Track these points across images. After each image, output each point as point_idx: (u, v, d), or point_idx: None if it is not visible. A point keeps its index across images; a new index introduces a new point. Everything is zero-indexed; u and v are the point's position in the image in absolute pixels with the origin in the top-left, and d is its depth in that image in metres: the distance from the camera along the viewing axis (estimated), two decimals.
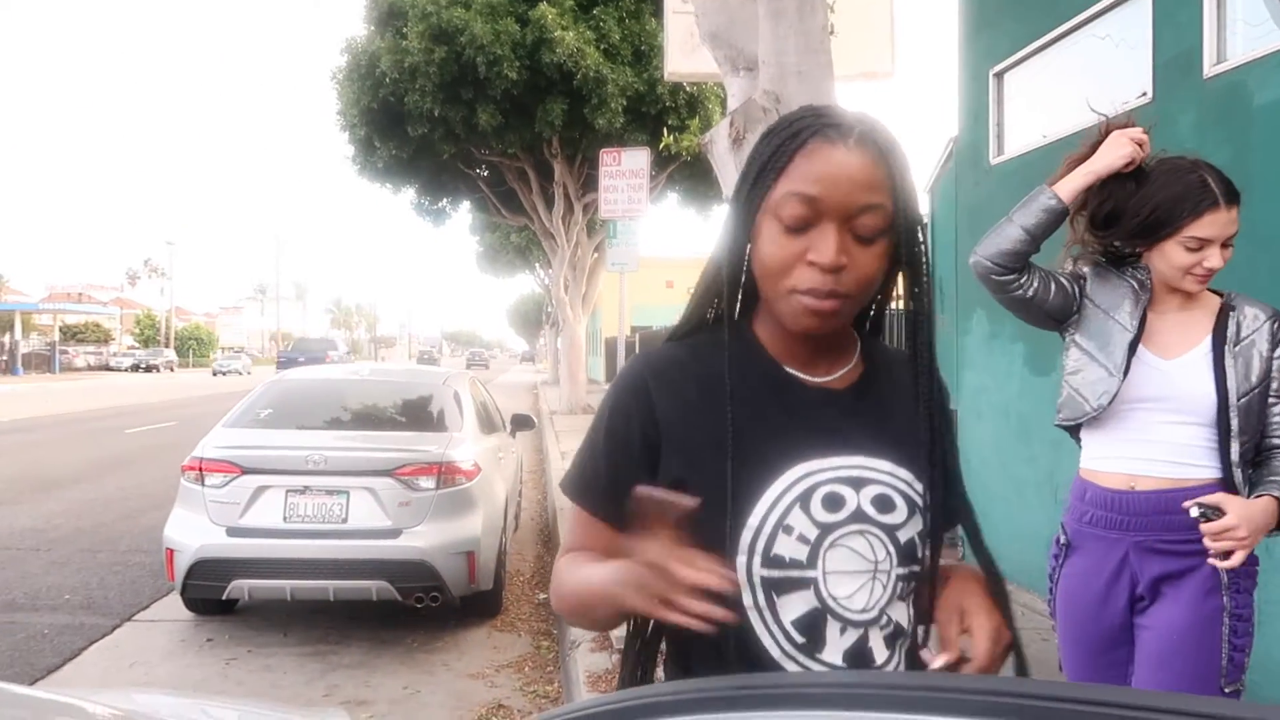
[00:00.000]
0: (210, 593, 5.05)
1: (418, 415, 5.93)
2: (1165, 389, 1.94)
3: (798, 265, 1.06)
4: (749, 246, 1.13)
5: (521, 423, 7.41)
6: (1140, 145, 2.05)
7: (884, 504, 1.11)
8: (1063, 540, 2.16)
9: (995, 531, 5.73)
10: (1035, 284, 2.14)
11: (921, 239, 1.12)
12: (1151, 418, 1.97)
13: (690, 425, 1.13)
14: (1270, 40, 3.68)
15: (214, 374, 51.94)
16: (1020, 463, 5.23)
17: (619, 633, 4.59)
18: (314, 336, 49.15)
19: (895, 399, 1.18)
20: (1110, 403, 2.00)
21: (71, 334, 64.52)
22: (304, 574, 4.82)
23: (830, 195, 1.04)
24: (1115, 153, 2.05)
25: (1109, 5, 4.67)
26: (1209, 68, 3.93)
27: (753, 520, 1.07)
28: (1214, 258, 1.94)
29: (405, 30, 14.89)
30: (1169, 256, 1.98)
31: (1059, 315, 2.15)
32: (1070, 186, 2.09)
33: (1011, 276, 2.14)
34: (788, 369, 1.16)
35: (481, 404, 6.58)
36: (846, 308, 1.08)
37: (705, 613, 0.95)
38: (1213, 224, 1.92)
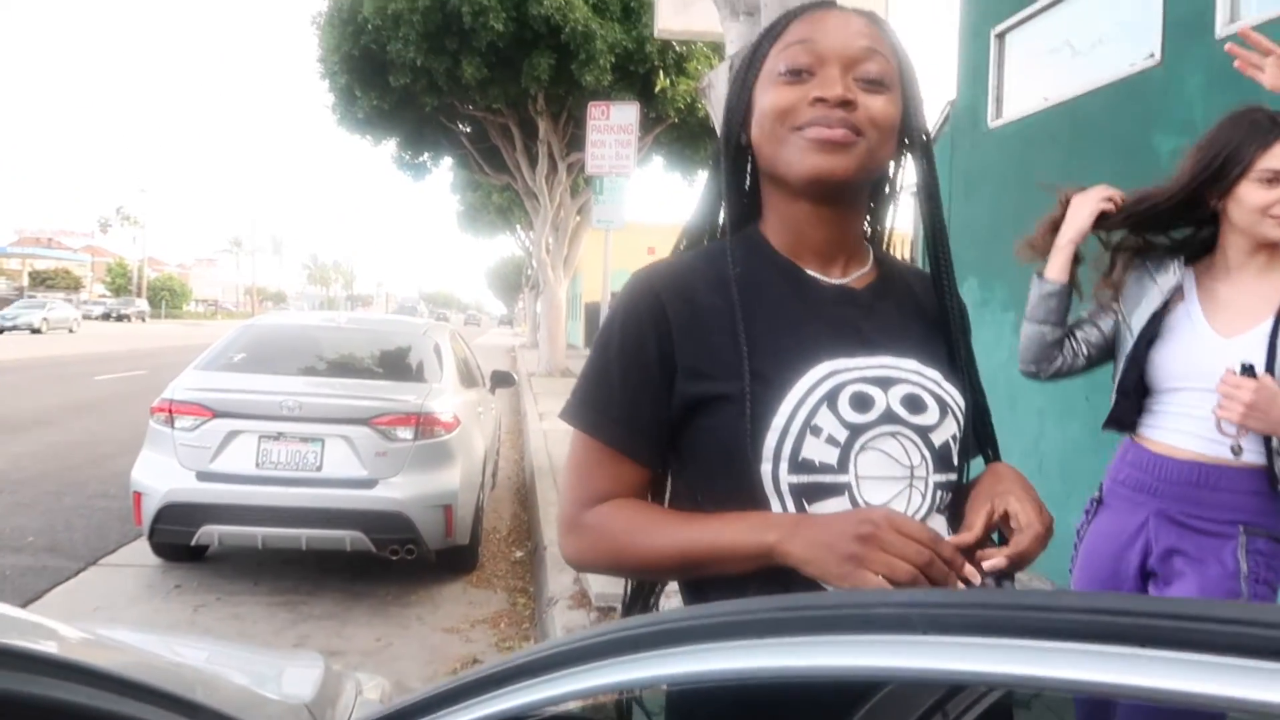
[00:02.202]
0: (179, 538, 4.92)
1: (397, 365, 5.79)
2: (1218, 368, 1.82)
3: (801, 106, 1.02)
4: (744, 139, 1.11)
5: (501, 380, 7.28)
6: (1110, 199, 2.00)
7: (914, 404, 1.04)
8: (1095, 496, 2.08)
9: None
10: (1083, 350, 2.11)
11: (924, 122, 1.11)
12: (1202, 396, 1.86)
13: (705, 329, 1.05)
14: None
15: None
16: (1006, 431, 5.14)
17: (599, 589, 4.51)
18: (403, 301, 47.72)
19: (912, 303, 1.15)
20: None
21: (41, 280, 63.44)
22: (276, 521, 4.70)
23: (828, 39, 1.02)
24: (1084, 210, 2.02)
25: None
26: (1221, 27, 3.83)
27: (778, 421, 0.99)
28: None
29: None
30: (1243, 200, 1.84)
31: (1114, 346, 2.08)
32: (1057, 264, 2.07)
33: (1058, 364, 2.12)
34: (803, 269, 1.10)
35: (462, 358, 6.46)
36: (861, 149, 1.02)
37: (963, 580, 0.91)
38: None
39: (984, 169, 5.79)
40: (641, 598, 1.19)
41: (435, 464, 4.96)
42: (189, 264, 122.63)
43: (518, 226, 31.72)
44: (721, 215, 1.14)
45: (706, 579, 1.03)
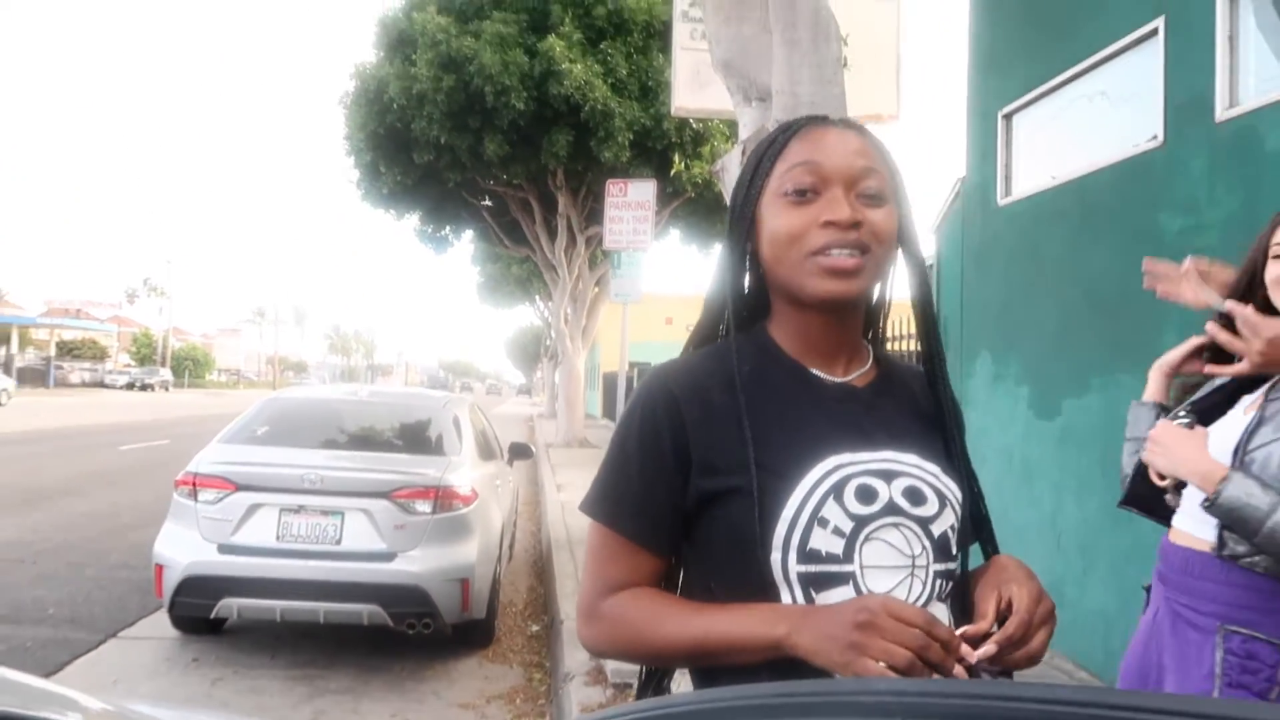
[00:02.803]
0: (199, 610, 4.95)
1: (416, 438, 5.86)
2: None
3: (812, 229, 1.09)
4: (749, 249, 1.18)
5: (520, 451, 7.34)
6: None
7: (915, 496, 1.10)
8: (1146, 584, 2.01)
9: None
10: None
11: (916, 230, 1.18)
12: None
13: (717, 425, 1.11)
14: None
15: None
16: (1023, 506, 5.17)
17: (614, 666, 4.49)
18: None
19: (910, 400, 1.21)
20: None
21: (68, 350, 64.35)
22: (295, 595, 4.73)
23: (831, 160, 1.10)
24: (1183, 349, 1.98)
25: (1121, 48, 4.69)
26: (1221, 112, 3.94)
27: (787, 513, 1.06)
28: None
29: (414, 57, 14.99)
30: (1271, 281, 1.77)
31: None
32: (1154, 386, 2.03)
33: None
34: (808, 367, 1.17)
35: (480, 430, 6.53)
36: (870, 267, 1.10)
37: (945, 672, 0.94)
38: None
39: (994, 245, 5.88)
40: (654, 680, 1.23)
41: (453, 537, 5.00)
42: (213, 334, 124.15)
43: (537, 297, 32.07)
44: (727, 315, 1.20)
45: (719, 666, 1.07)
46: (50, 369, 52.51)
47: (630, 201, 8.86)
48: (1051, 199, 5.20)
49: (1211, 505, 1.64)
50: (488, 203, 19.73)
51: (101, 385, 55.68)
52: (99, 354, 67.42)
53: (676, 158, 12.71)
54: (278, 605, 4.76)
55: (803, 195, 1.10)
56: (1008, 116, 5.82)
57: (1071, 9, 5.20)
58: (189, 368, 75.05)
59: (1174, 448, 1.76)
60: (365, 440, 5.82)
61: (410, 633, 4.88)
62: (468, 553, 5.03)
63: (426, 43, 14.69)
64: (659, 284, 42.03)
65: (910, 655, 0.92)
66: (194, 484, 4.95)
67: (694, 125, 15.85)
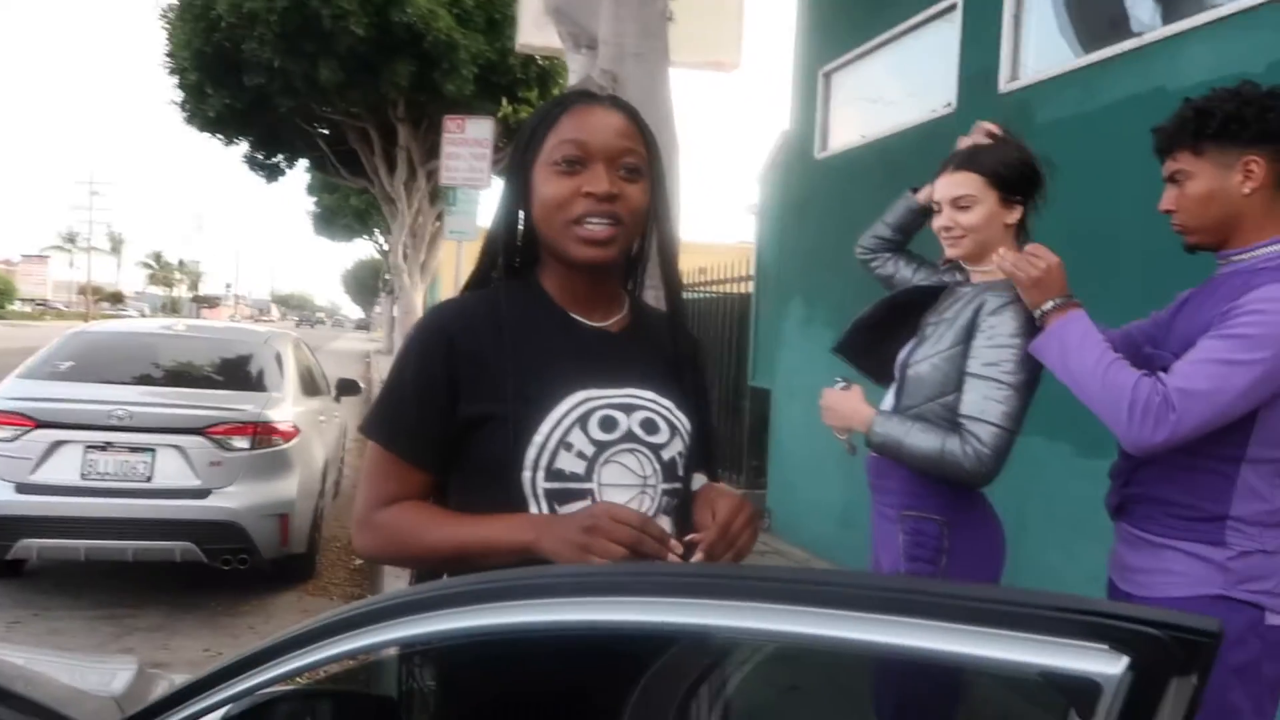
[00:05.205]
0: None
1: (235, 374, 5.72)
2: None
3: (575, 198, 1.23)
4: (524, 207, 1.31)
5: (347, 388, 7.25)
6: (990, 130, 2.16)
7: (650, 426, 1.28)
8: None
9: (796, 504, 6.10)
10: (905, 275, 2.40)
11: (669, 196, 1.35)
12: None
13: (486, 360, 1.25)
14: (1055, 65, 4.07)
15: None
16: (824, 438, 5.57)
17: None
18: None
19: (658, 345, 1.38)
20: None
21: None
22: (100, 534, 4.59)
23: (595, 139, 1.24)
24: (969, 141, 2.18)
25: (927, 18, 5.02)
26: (1004, 84, 4.31)
27: (538, 438, 1.22)
28: (942, 218, 2.07)
29: None
30: (936, 229, 2.11)
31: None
32: (925, 192, 2.27)
33: (880, 269, 2.49)
34: (570, 313, 1.32)
35: (305, 366, 6.42)
36: (621, 236, 1.26)
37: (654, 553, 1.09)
38: (943, 184, 2.07)
39: (811, 197, 6.21)
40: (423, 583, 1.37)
41: (272, 473, 4.95)
42: (15, 260, 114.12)
43: (375, 230, 31.15)
44: (500, 263, 1.35)
45: (478, 569, 1.22)
46: None
47: (469, 138, 8.75)
48: (861, 156, 5.54)
49: (871, 444, 2.03)
50: (324, 131, 18.91)
51: None
52: None
53: (505, 101, 12.57)
54: (81, 545, 4.60)
55: (570, 166, 1.24)
56: (828, 74, 6.12)
57: None
58: None
59: (837, 406, 2.11)
60: (180, 376, 5.63)
61: (226, 569, 4.82)
62: (287, 488, 4.99)
63: None
64: None
65: (625, 551, 1.08)
66: None
67: (540, 62, 15.66)
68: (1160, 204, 1.84)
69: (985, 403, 1.86)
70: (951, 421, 1.91)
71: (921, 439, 1.91)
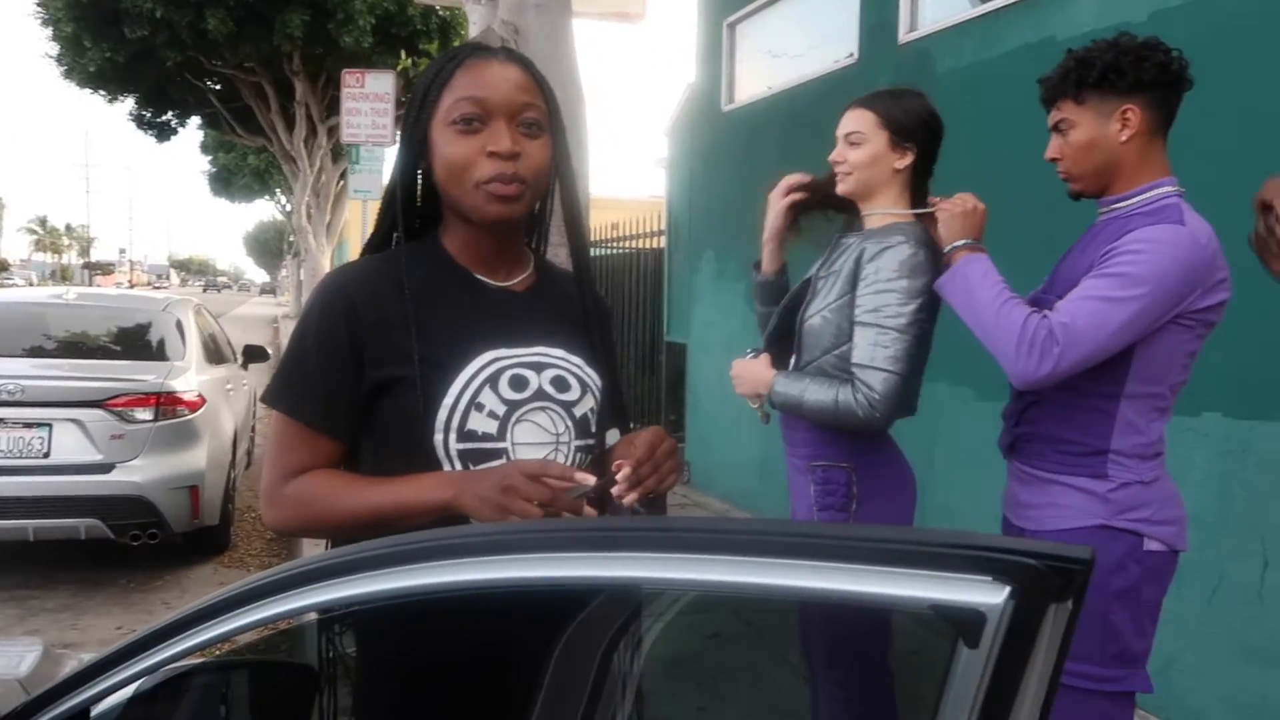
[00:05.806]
0: None
1: (134, 343, 5.51)
2: None
3: (479, 158, 1.21)
4: (422, 167, 1.27)
5: (254, 354, 7.05)
6: (791, 186, 2.25)
7: (561, 384, 1.28)
8: None
9: (714, 457, 6.20)
10: None
11: (571, 150, 1.33)
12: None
13: (390, 324, 1.23)
14: (950, 15, 4.15)
15: None
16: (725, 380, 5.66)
17: None
18: None
19: (564, 302, 1.37)
20: None
21: None
22: None
23: (494, 95, 1.22)
24: (774, 210, 2.27)
25: None
26: (903, 34, 4.37)
27: (448, 400, 1.20)
28: (835, 152, 2.13)
29: None
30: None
31: None
32: (765, 258, 2.32)
33: None
34: (474, 273, 1.30)
35: (209, 333, 6.22)
36: (526, 195, 1.25)
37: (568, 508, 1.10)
38: (843, 120, 2.13)
39: (719, 150, 6.24)
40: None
41: (178, 445, 4.81)
42: None
43: (277, 190, 30.11)
44: (400, 225, 1.30)
45: (396, 534, 1.21)
46: None
47: (368, 93, 8.49)
48: (768, 107, 5.57)
49: (774, 405, 2.10)
50: (216, 86, 18.10)
51: None
52: None
53: (405, 54, 12.19)
54: None
55: (469, 125, 1.21)
56: (732, 25, 6.11)
57: None
58: None
59: (744, 374, 2.18)
60: (74, 347, 5.39)
61: (135, 544, 4.69)
62: (195, 460, 4.86)
63: None
64: None
65: (540, 511, 1.09)
66: None
67: (440, 13, 15.24)
68: (1046, 152, 1.91)
69: (873, 349, 1.93)
70: (847, 372, 1.97)
71: (816, 393, 1.97)
